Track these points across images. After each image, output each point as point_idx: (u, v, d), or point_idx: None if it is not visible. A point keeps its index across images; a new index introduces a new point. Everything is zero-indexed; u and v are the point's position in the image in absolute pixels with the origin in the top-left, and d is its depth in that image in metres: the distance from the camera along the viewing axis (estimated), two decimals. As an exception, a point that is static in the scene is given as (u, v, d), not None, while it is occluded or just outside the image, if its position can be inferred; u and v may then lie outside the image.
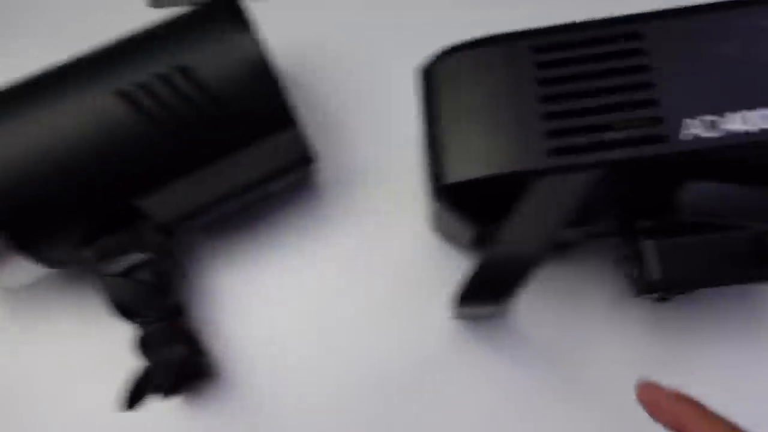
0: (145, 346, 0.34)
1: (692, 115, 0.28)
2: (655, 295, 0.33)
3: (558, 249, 0.37)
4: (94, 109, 0.31)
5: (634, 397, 0.27)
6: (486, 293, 0.28)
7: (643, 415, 0.26)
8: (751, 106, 0.28)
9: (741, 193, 0.26)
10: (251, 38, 0.32)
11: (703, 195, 0.26)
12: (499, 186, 0.29)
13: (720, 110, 0.28)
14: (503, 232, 0.28)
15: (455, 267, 0.39)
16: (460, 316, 0.31)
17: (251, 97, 0.32)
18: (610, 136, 0.28)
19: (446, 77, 0.31)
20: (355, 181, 0.41)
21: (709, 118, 0.28)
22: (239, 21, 0.32)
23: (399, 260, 0.39)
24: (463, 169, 0.29)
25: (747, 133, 0.27)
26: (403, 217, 0.40)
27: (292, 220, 0.40)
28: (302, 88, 0.43)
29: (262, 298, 0.39)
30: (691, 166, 0.28)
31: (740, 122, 0.28)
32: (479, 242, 0.34)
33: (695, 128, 0.28)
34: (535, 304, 0.38)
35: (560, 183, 0.28)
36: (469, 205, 0.30)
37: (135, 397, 0.32)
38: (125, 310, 0.33)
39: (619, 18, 0.30)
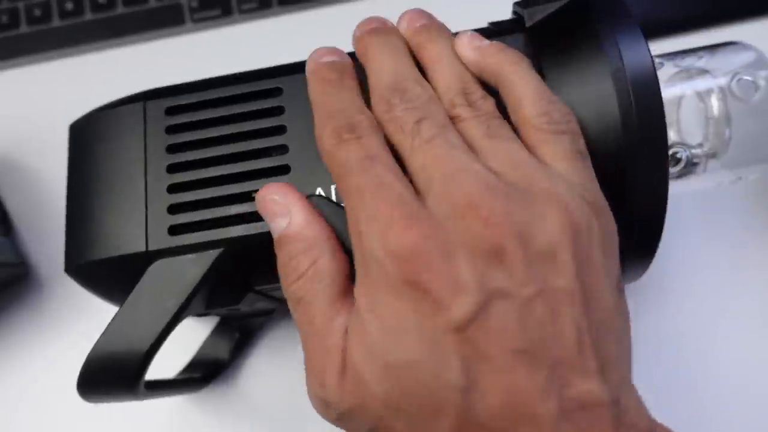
0: None
1: (325, 183, 0.25)
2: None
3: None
4: None
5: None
6: (102, 382, 0.25)
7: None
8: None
9: None
10: None
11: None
12: (127, 267, 0.26)
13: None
14: (116, 317, 0.25)
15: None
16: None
17: None
18: (234, 210, 0.25)
19: (85, 141, 0.27)
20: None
21: (342, 185, 0.25)
22: None
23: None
24: (86, 249, 0.26)
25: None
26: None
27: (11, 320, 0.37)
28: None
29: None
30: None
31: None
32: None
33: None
34: (263, 368, 0.35)
35: (177, 264, 0.25)
36: (105, 285, 0.27)
37: None
38: None
39: (264, 70, 0.27)
